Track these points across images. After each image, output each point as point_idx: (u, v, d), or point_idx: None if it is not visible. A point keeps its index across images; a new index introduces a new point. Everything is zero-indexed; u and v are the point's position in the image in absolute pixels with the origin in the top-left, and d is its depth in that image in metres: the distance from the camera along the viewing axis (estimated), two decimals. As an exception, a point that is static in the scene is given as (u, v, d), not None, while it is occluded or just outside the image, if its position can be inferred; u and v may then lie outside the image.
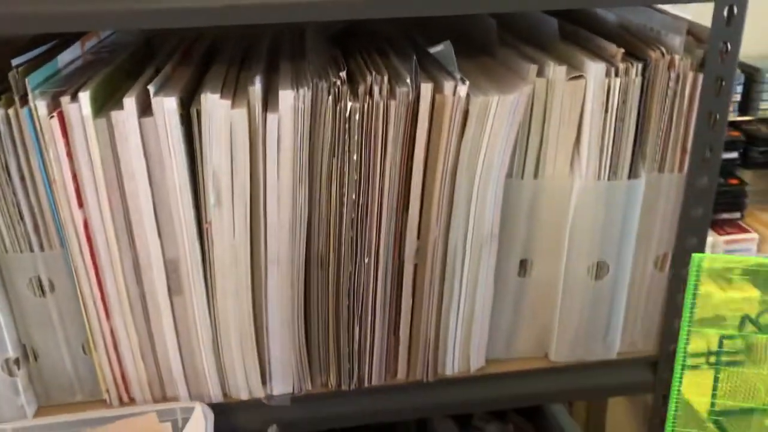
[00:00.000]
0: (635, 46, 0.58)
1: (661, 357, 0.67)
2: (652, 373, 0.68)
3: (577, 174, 0.59)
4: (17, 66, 0.52)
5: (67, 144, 0.52)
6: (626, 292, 0.64)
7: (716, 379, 0.59)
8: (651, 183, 0.60)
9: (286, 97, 0.52)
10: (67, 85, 0.53)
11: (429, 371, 0.64)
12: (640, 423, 0.87)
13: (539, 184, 0.60)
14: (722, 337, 0.60)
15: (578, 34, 0.63)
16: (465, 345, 0.64)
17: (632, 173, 0.59)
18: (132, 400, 0.62)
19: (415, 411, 0.66)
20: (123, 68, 0.59)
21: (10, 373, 0.59)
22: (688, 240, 0.62)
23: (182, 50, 0.65)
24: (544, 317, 0.65)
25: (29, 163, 0.53)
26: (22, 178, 0.53)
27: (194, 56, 0.64)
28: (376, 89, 0.53)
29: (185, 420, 0.56)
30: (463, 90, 0.53)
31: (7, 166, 0.53)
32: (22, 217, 0.55)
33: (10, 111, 0.51)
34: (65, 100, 0.51)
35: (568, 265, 0.62)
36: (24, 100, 0.52)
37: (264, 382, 0.62)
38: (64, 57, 0.58)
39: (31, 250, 0.56)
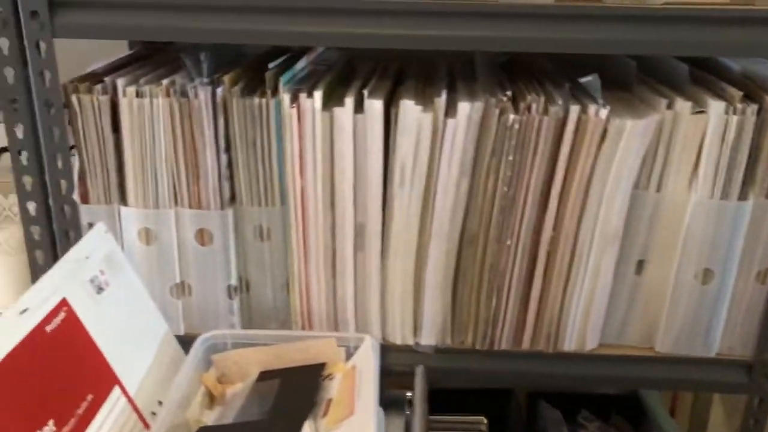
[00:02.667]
0: (753, 90, 0.69)
1: (756, 362, 0.77)
2: (747, 375, 0.77)
3: (693, 191, 0.71)
4: (272, 68, 0.72)
5: (299, 129, 0.70)
6: (728, 299, 0.75)
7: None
8: (758, 206, 0.71)
9: (463, 107, 0.68)
10: (303, 85, 0.72)
11: (550, 343, 0.77)
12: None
13: (660, 196, 0.72)
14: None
15: (705, 78, 0.75)
16: (583, 326, 0.77)
17: (742, 196, 0.71)
18: (311, 329, 0.80)
19: (535, 377, 0.79)
20: (334, 78, 0.78)
21: (230, 297, 0.78)
22: (788, 259, 0.72)
23: (381, 68, 0.83)
24: (653, 312, 0.77)
25: (269, 139, 0.72)
26: (262, 151, 0.73)
27: (389, 74, 0.82)
28: (533, 106, 0.68)
29: (356, 348, 0.73)
30: (603, 113, 0.67)
31: (254, 140, 0.72)
32: (257, 179, 0.74)
33: (263, 101, 0.71)
34: (303, 96, 0.70)
35: (678, 269, 0.74)
36: (273, 94, 0.71)
37: (415, 333, 0.78)
38: (298, 65, 0.77)
39: (259, 205, 0.75)
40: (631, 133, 0.68)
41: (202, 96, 0.70)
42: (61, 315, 0.56)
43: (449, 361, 0.79)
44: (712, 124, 0.69)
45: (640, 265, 0.75)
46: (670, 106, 0.69)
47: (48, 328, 0.54)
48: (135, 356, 0.65)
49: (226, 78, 0.71)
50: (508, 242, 0.73)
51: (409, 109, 0.68)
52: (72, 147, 0.73)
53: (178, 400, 0.64)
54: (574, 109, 0.68)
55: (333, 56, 0.88)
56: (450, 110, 0.69)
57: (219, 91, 0.70)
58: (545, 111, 0.68)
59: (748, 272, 0.74)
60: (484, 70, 0.80)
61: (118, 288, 0.66)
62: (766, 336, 0.75)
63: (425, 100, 0.71)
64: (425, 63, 0.88)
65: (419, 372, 0.76)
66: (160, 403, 0.66)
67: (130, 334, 0.66)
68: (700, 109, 0.69)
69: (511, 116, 0.68)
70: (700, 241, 0.72)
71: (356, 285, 0.77)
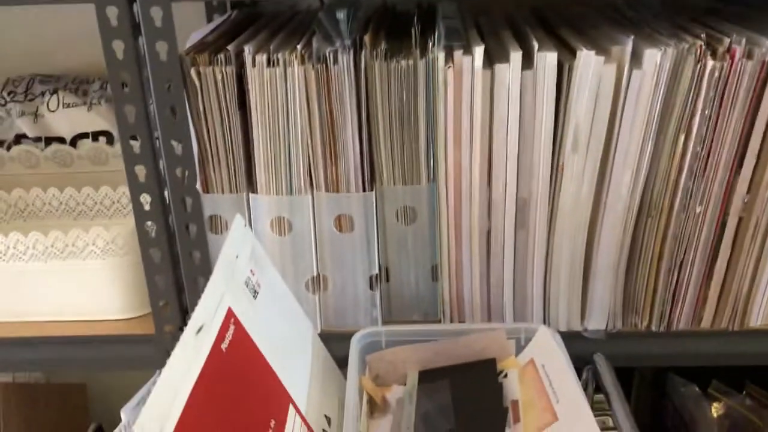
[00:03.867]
0: None
1: None
2: None
3: None
4: (416, 24, 0.62)
5: (456, 92, 0.61)
6: None
7: None
8: None
9: (651, 55, 0.58)
10: (453, 41, 0.62)
11: (736, 321, 0.68)
12: None
13: None
14: None
15: None
16: (774, 299, 0.68)
17: None
18: (461, 320, 0.71)
19: (718, 358, 0.71)
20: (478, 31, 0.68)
21: (372, 288, 0.69)
22: None
23: (518, 17, 0.73)
24: None
25: (416, 108, 0.63)
26: (408, 122, 0.63)
27: (530, 22, 0.72)
28: (737, 49, 0.58)
29: (526, 340, 0.64)
30: (820, 53, 0.57)
31: (399, 109, 0.63)
32: (402, 155, 0.65)
33: (410, 62, 0.61)
34: (458, 53, 0.60)
35: None
36: (421, 54, 0.61)
37: (582, 317, 0.69)
38: (438, 19, 0.67)
39: (404, 184, 0.66)
40: None
41: (342, 61, 0.60)
42: (231, 329, 0.47)
43: (622, 347, 0.70)
44: None
45: (843, 225, 0.66)
46: None
47: (223, 346, 0.45)
48: (296, 366, 0.57)
49: (367, 39, 0.61)
50: (698, 209, 0.64)
51: (588, 60, 0.59)
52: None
53: (352, 415, 0.55)
54: (783, 50, 0.58)
55: (451, 8, 0.78)
56: (634, 59, 0.59)
57: (361, 55, 0.60)
58: (749, 55, 0.58)
59: None
60: (645, 11, 0.69)
61: (267, 289, 0.57)
62: None
63: (598, 50, 0.61)
64: (565, 11, 0.77)
65: (600, 361, 0.67)
66: (328, 418, 0.58)
67: (287, 340, 0.57)
68: None
69: (710, 62, 0.58)
70: None
71: (515, 268, 0.68)
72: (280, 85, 0.61)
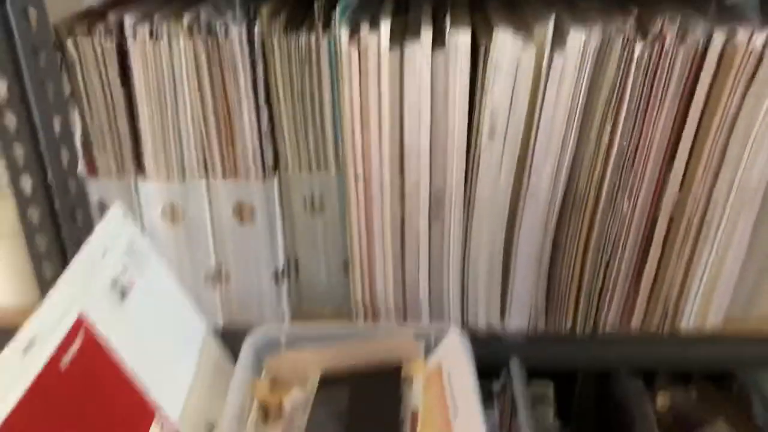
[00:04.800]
0: None
1: None
2: None
3: None
4: (319, -4, 0.56)
5: (361, 72, 0.55)
6: None
7: None
8: None
9: (575, 37, 0.53)
10: (360, 16, 0.56)
11: (666, 324, 0.64)
12: None
13: (814, 142, 0.58)
14: None
15: None
16: (706, 301, 0.63)
17: None
18: (375, 319, 0.66)
19: (647, 362, 0.67)
20: (392, 5, 0.62)
21: (277, 282, 0.64)
22: None
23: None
24: (792, 281, 0.63)
25: (321, 87, 0.57)
26: (312, 102, 0.58)
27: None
28: (669, 32, 0.52)
29: (436, 340, 0.60)
30: (759, 39, 0.52)
31: (302, 89, 0.57)
32: (307, 139, 0.59)
33: (312, 38, 0.55)
34: (364, 30, 0.54)
35: (832, 229, 0.60)
36: (324, 29, 0.55)
37: (502, 317, 0.65)
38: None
39: (310, 171, 0.60)
40: (790, 63, 0.53)
41: (235, 34, 0.54)
42: (79, 340, 0.42)
43: (543, 349, 0.66)
44: None
45: (781, 224, 0.61)
46: (837, 25, 0.54)
47: (64, 362, 0.40)
48: (174, 371, 0.52)
49: (264, 10, 0.55)
50: (625, 205, 0.59)
51: (505, 41, 0.53)
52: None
53: (234, 422, 0.51)
54: (719, 33, 0.52)
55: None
56: (557, 41, 0.54)
57: (256, 28, 0.54)
58: (682, 38, 0.53)
59: None
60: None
61: (145, 287, 0.52)
62: None
63: (522, 29, 0.55)
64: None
65: (515, 366, 0.63)
66: (212, 426, 0.53)
67: (165, 343, 0.52)
68: None
69: (638, 46, 0.52)
70: None
71: (431, 263, 0.63)
72: (166, 60, 0.55)
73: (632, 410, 0.96)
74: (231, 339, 0.63)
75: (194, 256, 0.62)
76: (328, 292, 0.66)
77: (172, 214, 0.61)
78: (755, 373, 0.84)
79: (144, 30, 0.54)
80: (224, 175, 0.59)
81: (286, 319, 0.66)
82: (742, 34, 0.52)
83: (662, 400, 1.00)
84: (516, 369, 0.63)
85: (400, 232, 0.62)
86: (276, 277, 0.64)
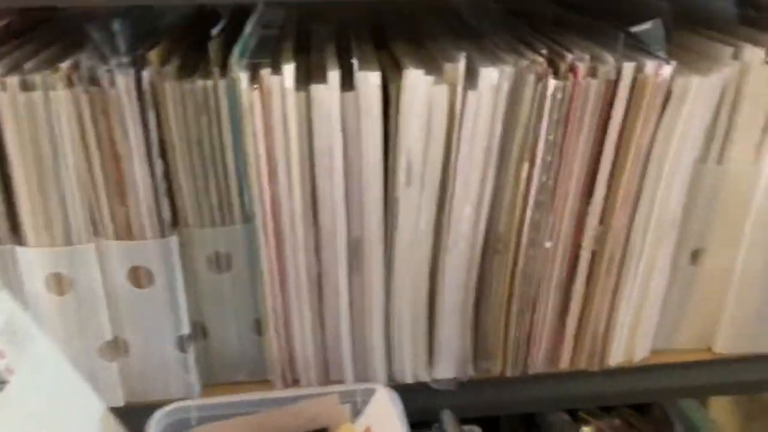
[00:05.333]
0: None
1: (826, 351, 0.65)
2: (816, 368, 0.66)
3: (763, 160, 0.58)
4: (215, 37, 0.52)
5: (265, 117, 0.51)
6: (800, 284, 0.62)
7: None
8: (840, 171, 0.58)
9: (488, 74, 0.51)
10: (261, 57, 0.52)
11: (595, 360, 0.63)
12: None
13: (722, 170, 0.58)
14: None
15: (760, 16, 0.61)
16: (632, 335, 0.62)
17: (821, 161, 0.58)
18: (296, 382, 0.61)
19: (579, 400, 0.65)
20: (296, 45, 0.58)
21: (182, 350, 0.58)
22: None
23: (352, 29, 0.64)
24: (711, 308, 0.63)
25: (221, 135, 0.52)
26: (212, 152, 0.53)
27: (364, 35, 0.63)
28: (579, 67, 0.51)
29: (364, 402, 0.55)
30: (667, 70, 0.52)
31: (200, 138, 0.52)
32: (208, 192, 0.54)
33: (209, 83, 0.51)
34: (266, 72, 0.50)
35: (746, 255, 0.60)
36: (222, 72, 0.51)
37: (429, 367, 0.61)
38: (246, 31, 0.57)
39: (213, 226, 0.55)
40: (697, 93, 0.53)
41: (121, 82, 0.49)
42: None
43: (474, 396, 0.63)
44: (789, 75, 0.55)
45: (696, 254, 0.61)
46: (735, 56, 0.55)
47: None
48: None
49: (153, 54, 0.50)
50: (547, 244, 0.57)
51: (416, 81, 0.50)
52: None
53: None
54: (629, 67, 0.52)
55: (279, 17, 0.68)
56: (469, 79, 0.52)
57: (145, 74, 0.49)
58: (593, 73, 0.52)
59: (823, 251, 0.62)
60: (488, 20, 0.62)
61: (27, 372, 0.45)
62: (838, 322, 0.64)
63: (431, 67, 0.53)
64: (405, 18, 0.69)
65: (447, 416, 0.59)
66: None
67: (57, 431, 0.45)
68: (774, 57, 0.55)
69: (552, 82, 0.51)
70: (772, 220, 0.59)
71: (353, 316, 0.59)
72: (41, 113, 0.49)
73: (560, 445, 0.94)
74: (135, 418, 0.57)
75: (86, 329, 0.56)
76: (240, 356, 0.61)
77: (58, 283, 0.54)
78: (679, 401, 0.85)
79: (14, 81, 0.48)
80: (116, 236, 0.53)
81: (195, 390, 0.60)
82: (650, 67, 0.52)
83: (585, 430, 0.99)
84: (448, 419, 0.60)
85: (317, 286, 0.58)
86: (181, 344, 0.58)
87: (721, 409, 1.08)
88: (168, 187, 0.53)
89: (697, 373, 0.65)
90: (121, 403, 0.59)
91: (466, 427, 0.95)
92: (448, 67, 0.51)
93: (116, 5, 0.49)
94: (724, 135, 0.57)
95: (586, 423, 1.00)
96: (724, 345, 0.64)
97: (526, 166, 0.54)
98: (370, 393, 0.55)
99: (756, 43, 0.55)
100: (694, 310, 0.64)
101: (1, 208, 0.52)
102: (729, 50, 0.55)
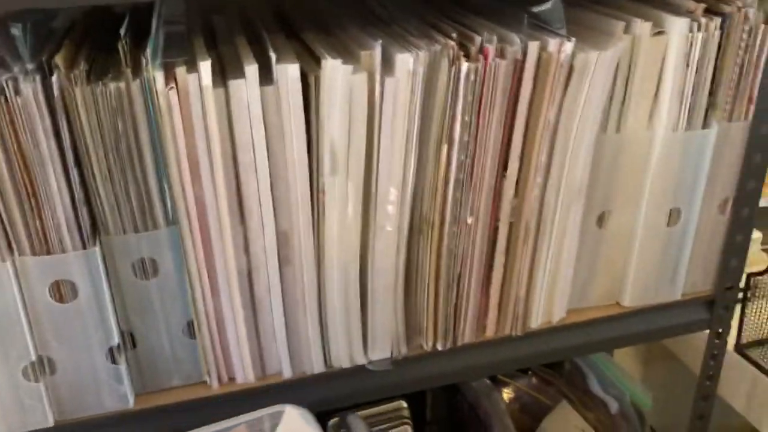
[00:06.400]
0: (711, 1, 0.61)
1: (717, 295, 0.72)
2: (709, 311, 0.73)
3: (656, 126, 0.62)
4: (123, 37, 0.50)
5: (184, 117, 0.50)
6: (693, 235, 0.68)
7: None
8: (721, 131, 0.64)
9: (403, 60, 0.52)
10: (172, 56, 0.51)
11: (518, 325, 0.66)
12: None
13: (621, 137, 0.62)
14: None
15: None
16: (550, 297, 0.66)
17: (705, 123, 0.63)
18: (232, 380, 0.61)
19: (507, 364, 0.68)
20: (205, 40, 0.57)
21: (114, 361, 0.56)
22: (748, 184, 0.67)
23: (256, 21, 0.63)
24: (617, 266, 0.68)
25: (138, 138, 0.51)
26: (130, 156, 0.51)
27: (271, 26, 0.62)
28: (489, 48, 0.53)
29: (274, 426, 0.55)
30: (568, 47, 0.55)
31: (116, 143, 0.50)
32: (128, 197, 0.52)
33: (121, 85, 0.49)
34: (181, 70, 0.49)
35: (645, 214, 0.65)
36: (134, 74, 0.49)
37: (365, 350, 0.63)
38: (152, 28, 0.55)
39: (136, 231, 0.54)
40: (597, 67, 0.56)
41: (28, 90, 0.46)
42: None
43: (409, 372, 0.65)
44: (674, 46, 0.59)
45: (603, 216, 0.66)
46: (627, 30, 0.59)
47: None
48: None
49: (59, 58, 0.48)
50: (469, 220, 0.59)
51: (335, 70, 0.51)
52: None
53: None
54: (534, 45, 0.54)
55: (179, 10, 0.66)
56: (385, 66, 0.53)
57: (53, 79, 0.47)
58: (502, 53, 0.54)
59: (710, 204, 0.68)
60: (394, 6, 0.63)
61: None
62: (726, 265, 0.70)
63: (346, 56, 0.53)
64: (308, 5, 0.69)
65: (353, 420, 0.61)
66: None
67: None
68: (659, 30, 0.59)
69: (465, 65, 0.53)
70: (666, 180, 0.64)
71: (286, 310, 0.59)
72: (-60, 127, 0.45)
73: (485, 408, 0.99)
74: (66, 437, 0.55)
75: (8, 351, 0.53)
76: (174, 361, 0.59)
77: (-27, 307, 0.51)
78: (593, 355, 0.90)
79: None
80: (33, 252, 0.51)
81: (129, 402, 0.58)
82: (552, 45, 0.55)
83: (507, 392, 1.05)
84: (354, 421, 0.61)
85: (248, 283, 0.57)
86: (112, 356, 0.56)
87: (624, 354, 1.17)
88: (85, 195, 0.51)
89: (608, 327, 0.70)
90: (50, 424, 0.56)
91: (393, 403, 0.98)
92: (364, 55, 0.52)
93: (11, 8, 0.46)
94: (621, 106, 0.61)
95: (506, 385, 1.05)
96: (631, 298, 0.70)
97: (445, 147, 0.56)
98: (278, 416, 0.55)
99: (644, 17, 0.59)
100: (602, 268, 0.68)
101: None
102: (621, 24, 0.58)
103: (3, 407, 0.54)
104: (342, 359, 0.62)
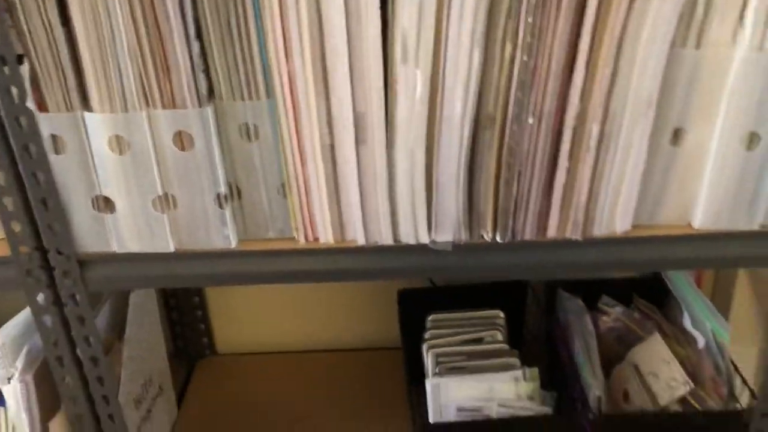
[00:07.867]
0: None
1: (803, 231, 0.70)
2: (793, 247, 0.71)
3: (738, 44, 0.62)
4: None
5: (281, 2, 0.60)
6: (775, 164, 0.67)
7: None
8: (813, 55, 0.62)
9: (472, -39, 0.58)
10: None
11: (579, 230, 0.70)
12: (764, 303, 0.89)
13: (700, 54, 0.63)
14: None
15: None
16: (613, 208, 0.69)
17: (794, 44, 0.62)
18: (316, 239, 0.72)
19: (568, 268, 0.72)
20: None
21: (220, 206, 0.70)
22: (844, 115, 0.64)
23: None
24: (691, 186, 0.69)
25: (246, 18, 0.62)
26: (239, 34, 0.62)
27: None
28: (556, -46, 0.57)
29: None
30: (637, -44, 0.57)
31: (228, 21, 0.62)
32: (237, 69, 0.64)
33: (233, -29, 0.60)
34: (281, -39, 0.59)
35: (721, 135, 0.65)
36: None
37: (429, 230, 0.71)
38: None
39: (243, 99, 0.66)
40: (669, -22, 0.58)
41: (162, -28, 0.59)
42: None
43: (469, 258, 0.72)
44: (762, -40, 0.59)
45: (677, 134, 0.67)
46: (711, -59, 0.59)
47: None
48: None
49: (188, -53, 0.60)
50: (530, 121, 0.64)
51: (408, -33, 0.58)
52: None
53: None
54: (603, -47, 0.57)
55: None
56: (455, -34, 0.59)
57: (182, -37, 0.59)
58: (568, -42, 0.58)
59: (797, 133, 0.66)
60: None
61: None
62: (816, 203, 0.68)
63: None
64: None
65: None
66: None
67: None
68: (748, -58, 0.59)
69: (529, -33, 0.58)
70: (746, 102, 0.64)
71: (361, 183, 0.68)
72: (100, -2, 0.60)
73: (574, 328, 1.03)
74: (183, 262, 0.69)
75: (142, 184, 0.68)
76: (269, 216, 0.72)
77: (119, 144, 0.66)
78: (670, 275, 0.90)
79: (79, -29, 0.59)
80: (163, 105, 0.65)
81: (232, 243, 0.72)
82: (622, -47, 0.57)
83: (606, 320, 1.07)
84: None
85: (330, 156, 0.67)
86: (219, 202, 0.69)
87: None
88: (204, 63, 0.64)
89: (677, 247, 0.71)
90: (171, 250, 0.71)
91: (489, 311, 1.05)
92: (439, -47, 0.58)
93: None
94: (701, 21, 0.62)
95: (606, 314, 1.07)
96: (703, 221, 0.70)
97: (509, 47, 0.61)
98: None
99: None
100: (675, 187, 0.70)
101: (73, 81, 0.64)
102: (705, -63, 0.59)
103: (137, 230, 0.70)
104: (409, 236, 0.71)
